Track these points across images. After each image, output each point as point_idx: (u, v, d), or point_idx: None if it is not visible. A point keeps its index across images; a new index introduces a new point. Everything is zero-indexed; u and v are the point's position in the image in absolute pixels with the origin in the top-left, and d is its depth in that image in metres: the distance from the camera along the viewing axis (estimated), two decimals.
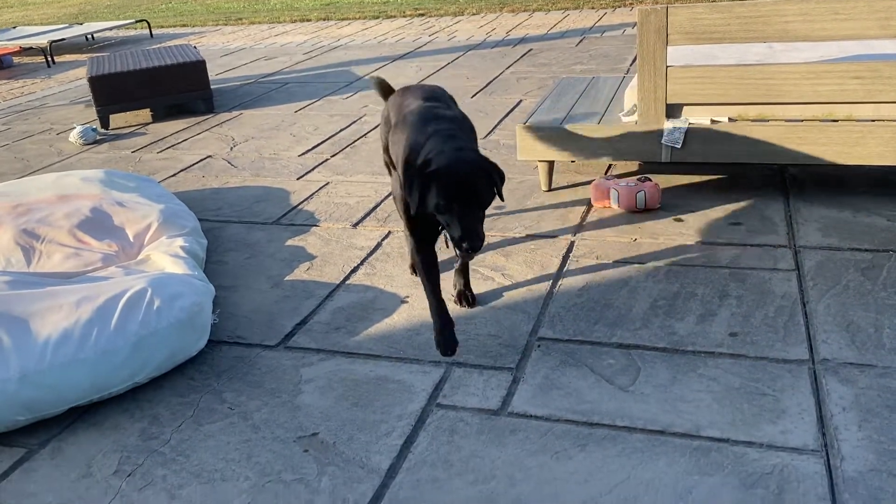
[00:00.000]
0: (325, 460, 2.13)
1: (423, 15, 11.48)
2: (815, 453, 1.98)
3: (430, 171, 2.25)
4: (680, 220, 3.45)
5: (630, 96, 3.75)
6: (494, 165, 2.36)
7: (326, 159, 4.81)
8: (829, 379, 2.26)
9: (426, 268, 2.56)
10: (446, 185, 2.22)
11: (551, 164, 3.86)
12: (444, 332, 2.50)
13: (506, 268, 3.15)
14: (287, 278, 3.26)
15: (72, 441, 2.31)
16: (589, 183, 3.78)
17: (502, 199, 2.39)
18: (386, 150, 2.95)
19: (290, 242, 3.62)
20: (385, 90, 3.23)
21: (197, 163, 4.97)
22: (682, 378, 2.34)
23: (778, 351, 2.43)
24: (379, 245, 3.49)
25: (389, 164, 3.00)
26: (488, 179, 2.30)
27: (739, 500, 1.85)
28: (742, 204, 3.56)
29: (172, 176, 4.73)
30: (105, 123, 6.04)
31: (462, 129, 2.56)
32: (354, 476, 2.05)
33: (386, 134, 2.92)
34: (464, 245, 2.19)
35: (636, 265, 3.07)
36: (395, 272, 3.22)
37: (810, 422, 2.09)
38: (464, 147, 2.35)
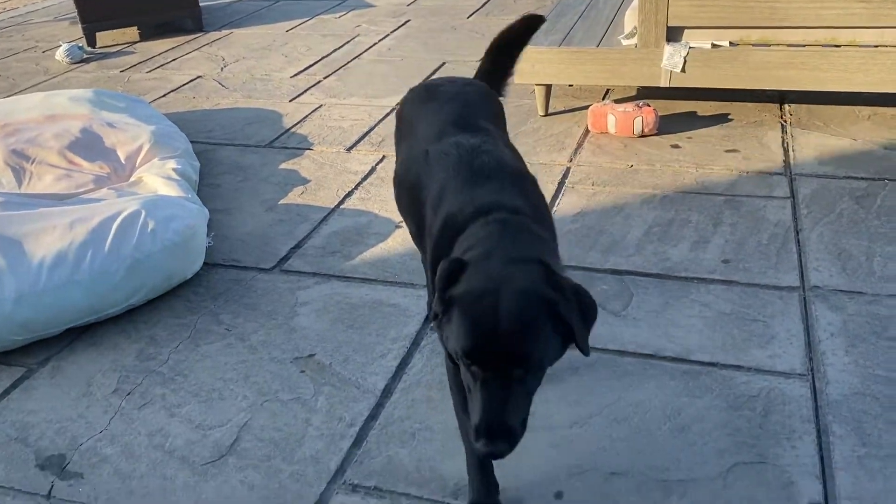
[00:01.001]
0: (322, 381, 2.16)
1: None
2: (802, 377, 2.02)
3: (455, 293, 1.36)
4: (677, 146, 3.42)
5: (630, 18, 3.66)
6: (573, 292, 1.37)
7: (319, 81, 4.72)
8: (818, 305, 2.30)
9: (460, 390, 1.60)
10: (467, 330, 1.31)
11: (548, 87, 3.80)
12: None
13: None
14: (281, 202, 3.25)
15: (71, 361, 2.33)
16: (586, 108, 3.74)
17: (584, 352, 1.36)
18: (418, 236, 1.89)
19: (283, 166, 3.59)
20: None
21: (187, 83, 4.87)
22: (674, 304, 2.36)
23: (769, 278, 2.45)
24: (373, 170, 3.46)
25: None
26: (553, 324, 1.34)
27: (726, 421, 1.90)
28: (739, 132, 3.53)
29: (162, 97, 4.64)
30: (91, 41, 5.88)
31: (528, 199, 1.61)
32: (350, 396, 2.09)
33: (410, 211, 1.88)
34: (478, 443, 1.29)
35: (632, 191, 3.06)
36: (389, 197, 3.19)
37: (798, 347, 2.13)
38: (523, 257, 1.41)
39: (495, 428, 1.28)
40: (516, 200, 1.57)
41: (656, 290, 2.44)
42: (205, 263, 2.76)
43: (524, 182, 1.67)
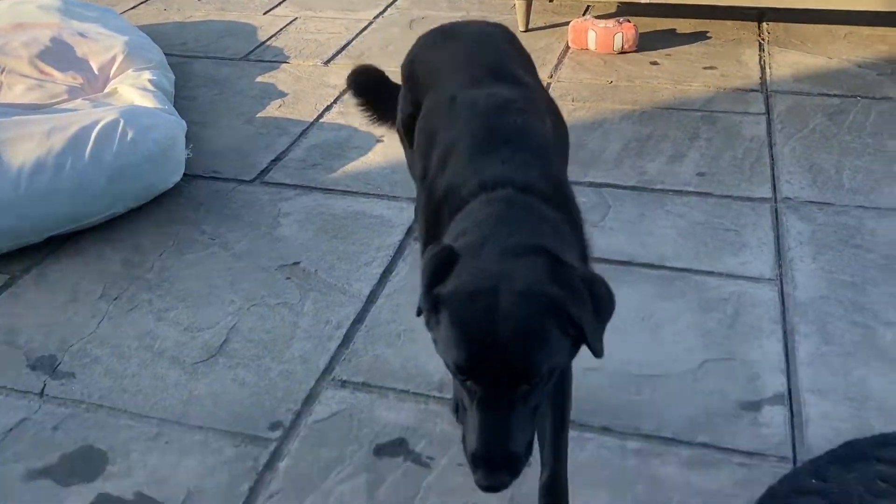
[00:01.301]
0: (308, 287, 2.21)
1: None
2: (771, 282, 2.11)
3: (443, 293, 1.16)
4: (656, 63, 3.44)
5: None
6: (585, 286, 1.17)
7: None
8: (789, 216, 2.37)
9: None
10: (459, 339, 1.11)
11: (529, 2, 3.76)
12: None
13: None
14: (259, 115, 3.22)
15: (55, 269, 2.34)
16: (567, 24, 3.71)
17: (597, 353, 1.16)
18: (408, 128, 1.80)
19: (260, 79, 3.54)
20: (370, 85, 2.19)
21: None
22: (649, 214, 2.43)
23: (743, 190, 2.52)
24: None
25: (405, 141, 1.89)
26: (561, 327, 1.13)
27: (697, 322, 1.99)
28: (718, 49, 3.54)
29: (132, 8, 4.50)
30: None
31: (546, 174, 1.38)
32: (336, 301, 2.14)
33: (410, 106, 1.79)
34: (476, 474, 1.11)
35: (611, 107, 3.09)
36: None
37: (768, 254, 2.22)
38: (525, 246, 1.19)
39: (497, 457, 1.09)
40: (530, 174, 1.34)
41: (633, 202, 2.50)
42: (184, 175, 2.75)
43: (548, 153, 1.43)
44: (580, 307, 1.14)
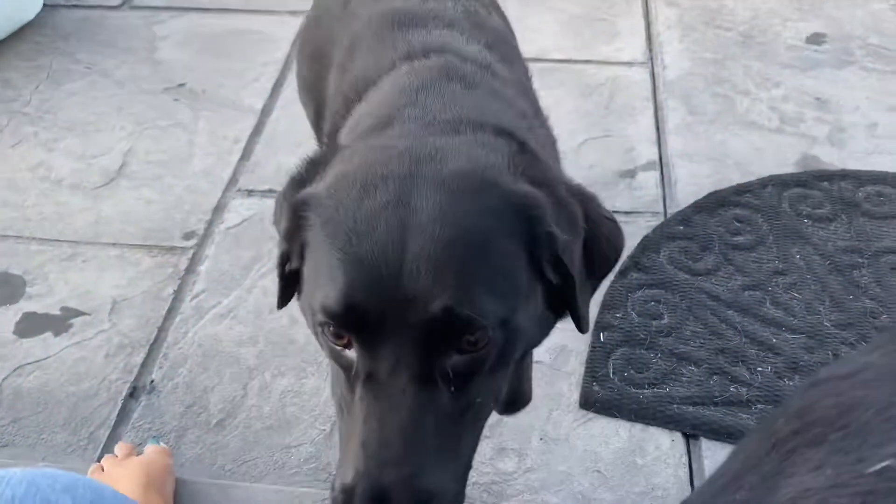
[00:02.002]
0: (198, 106, 2.19)
1: None
2: (643, 65, 2.26)
3: (309, 199, 0.74)
4: None
5: None
6: (576, 199, 0.79)
7: None
8: (658, 3, 2.50)
9: None
10: (337, 259, 0.68)
11: None
12: None
13: None
14: None
15: None
16: None
17: (580, 325, 0.79)
18: (316, 124, 1.31)
19: None
20: None
21: None
22: (531, 11, 2.50)
23: None
24: None
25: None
26: (530, 257, 0.72)
27: (578, 107, 2.13)
28: None
29: None
30: None
31: (503, 57, 1.04)
32: (230, 117, 2.15)
33: (311, 85, 1.28)
34: (334, 486, 0.68)
35: None
36: None
37: (640, 40, 2.36)
38: (474, 120, 0.82)
39: (393, 487, 0.63)
40: (475, 47, 0.98)
41: (516, 2, 2.55)
42: (45, 5, 2.57)
43: (504, 39, 1.11)
44: (569, 229, 0.73)
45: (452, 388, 0.67)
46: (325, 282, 0.68)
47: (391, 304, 0.64)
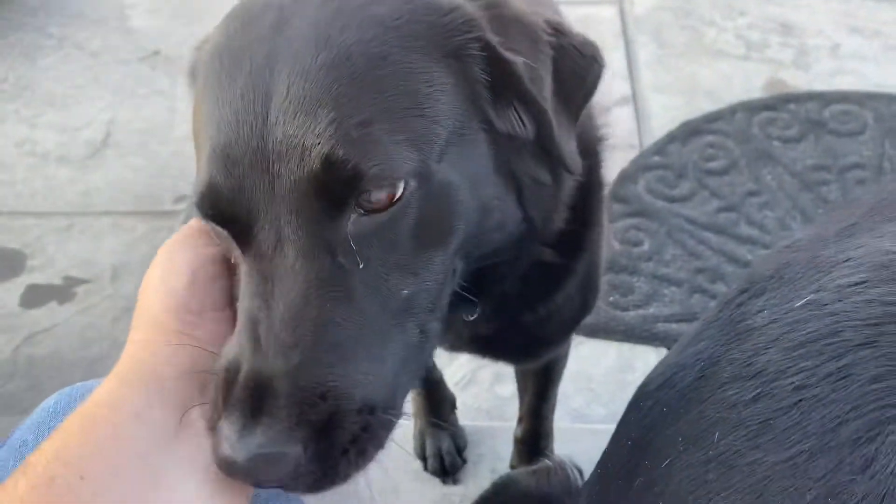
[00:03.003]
0: (176, 72, 2.21)
1: None
2: (612, 3, 2.30)
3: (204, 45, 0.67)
4: None
5: None
6: (553, 25, 0.64)
7: None
8: None
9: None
10: (207, 121, 0.56)
11: None
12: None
13: None
14: None
15: None
16: None
17: (566, 163, 0.64)
18: None
19: None
20: None
21: None
22: None
23: None
24: None
25: None
26: (465, 78, 0.58)
27: None
28: None
29: None
30: None
31: None
32: None
33: None
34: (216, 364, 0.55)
35: None
36: None
37: None
38: None
39: (276, 378, 0.51)
40: None
41: None
42: None
43: None
44: (529, 47, 0.61)
45: (360, 264, 0.53)
46: (205, 124, 0.56)
47: (257, 168, 0.52)
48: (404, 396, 0.56)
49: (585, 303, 0.87)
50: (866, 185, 1.74)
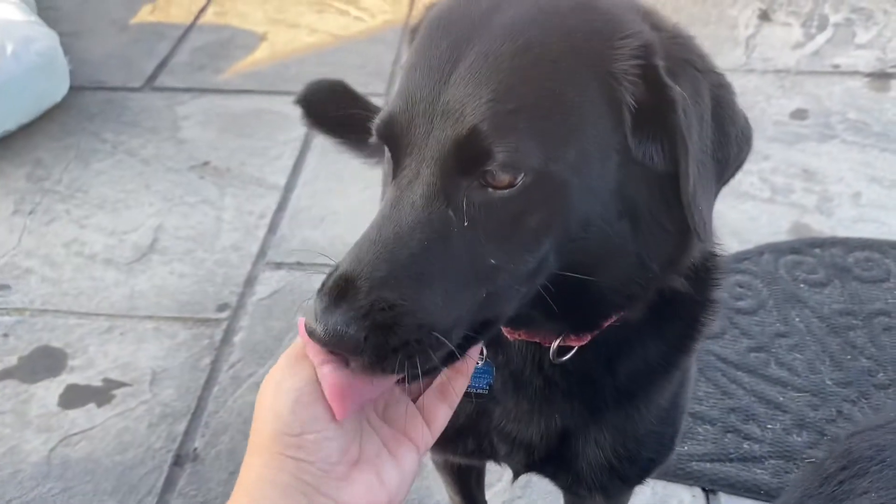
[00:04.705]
0: (224, 183, 2.31)
1: None
2: None
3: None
4: None
5: None
6: (712, 77, 0.71)
7: None
8: None
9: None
10: (412, 61, 0.70)
11: None
12: None
13: (359, 1, 3.22)
14: (132, 21, 3.15)
15: None
16: None
17: (696, 224, 0.67)
18: None
19: None
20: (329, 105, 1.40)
21: None
22: None
23: None
24: None
25: None
26: (601, 87, 0.66)
27: None
28: None
29: None
30: None
31: None
32: (255, 193, 2.27)
33: None
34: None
35: None
36: (246, 10, 3.19)
37: None
38: None
39: (359, 283, 0.61)
40: None
41: None
42: (70, 87, 2.70)
43: None
44: (691, 88, 0.64)
45: (465, 222, 0.62)
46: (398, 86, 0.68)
47: (426, 116, 0.63)
48: (459, 336, 0.64)
49: (674, 426, 0.90)
50: (893, 333, 1.78)
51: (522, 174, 0.61)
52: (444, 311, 0.62)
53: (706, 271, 0.81)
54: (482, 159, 0.61)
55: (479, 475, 1.30)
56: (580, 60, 0.63)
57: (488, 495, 1.42)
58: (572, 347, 0.76)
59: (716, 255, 0.82)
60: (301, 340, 0.65)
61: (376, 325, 0.59)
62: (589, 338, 0.76)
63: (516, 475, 0.98)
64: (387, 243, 0.61)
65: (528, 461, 0.90)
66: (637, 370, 0.81)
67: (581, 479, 0.89)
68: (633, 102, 0.63)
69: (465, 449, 0.88)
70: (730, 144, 0.68)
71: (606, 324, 0.74)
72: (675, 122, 0.62)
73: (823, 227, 2.10)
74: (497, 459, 0.94)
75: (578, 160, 0.63)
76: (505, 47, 0.62)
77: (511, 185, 0.61)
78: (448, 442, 0.86)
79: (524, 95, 0.61)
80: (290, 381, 0.65)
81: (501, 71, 0.62)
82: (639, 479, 0.97)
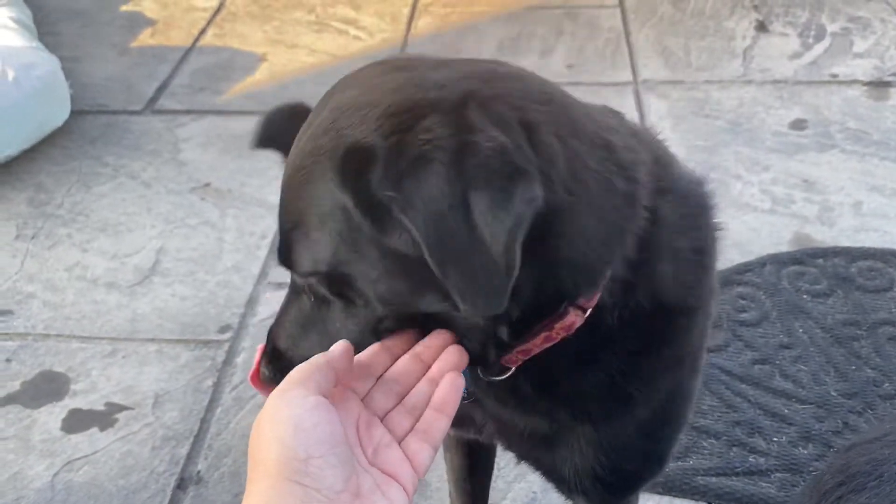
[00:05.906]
0: (224, 204, 2.32)
1: None
2: None
3: None
4: None
5: None
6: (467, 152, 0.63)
7: None
8: (648, 95, 2.69)
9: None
10: None
11: None
12: None
13: (358, 20, 3.24)
14: (132, 45, 3.18)
15: None
16: None
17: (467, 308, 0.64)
18: None
19: (123, 8, 3.45)
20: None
21: None
22: None
23: (608, 76, 2.81)
24: (223, 5, 3.42)
25: None
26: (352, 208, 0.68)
27: None
28: None
29: None
30: None
31: None
32: (256, 214, 2.27)
33: None
34: None
35: (481, 10, 3.27)
36: (246, 31, 3.22)
37: None
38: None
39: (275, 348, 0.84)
40: None
41: None
42: (71, 112, 2.72)
43: None
44: (402, 182, 0.62)
45: (312, 300, 0.78)
46: None
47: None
48: None
49: (661, 442, 0.91)
50: None
51: (305, 277, 0.75)
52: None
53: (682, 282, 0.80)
54: (289, 264, 0.76)
55: (485, 474, 1.30)
56: (325, 176, 0.68)
57: None
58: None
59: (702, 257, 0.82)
60: (285, 379, 0.70)
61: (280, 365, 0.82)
62: (519, 362, 0.76)
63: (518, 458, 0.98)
64: (282, 323, 0.84)
65: (520, 452, 0.94)
66: (595, 382, 0.80)
67: (566, 482, 0.89)
68: (365, 211, 0.68)
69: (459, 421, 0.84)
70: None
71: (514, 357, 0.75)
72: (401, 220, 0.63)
73: (825, 237, 2.09)
74: (491, 439, 0.97)
75: (345, 256, 0.70)
76: (289, 171, 0.75)
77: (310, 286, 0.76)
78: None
79: (295, 212, 0.73)
80: (285, 411, 0.66)
81: (286, 193, 0.75)
82: (627, 491, 0.97)
